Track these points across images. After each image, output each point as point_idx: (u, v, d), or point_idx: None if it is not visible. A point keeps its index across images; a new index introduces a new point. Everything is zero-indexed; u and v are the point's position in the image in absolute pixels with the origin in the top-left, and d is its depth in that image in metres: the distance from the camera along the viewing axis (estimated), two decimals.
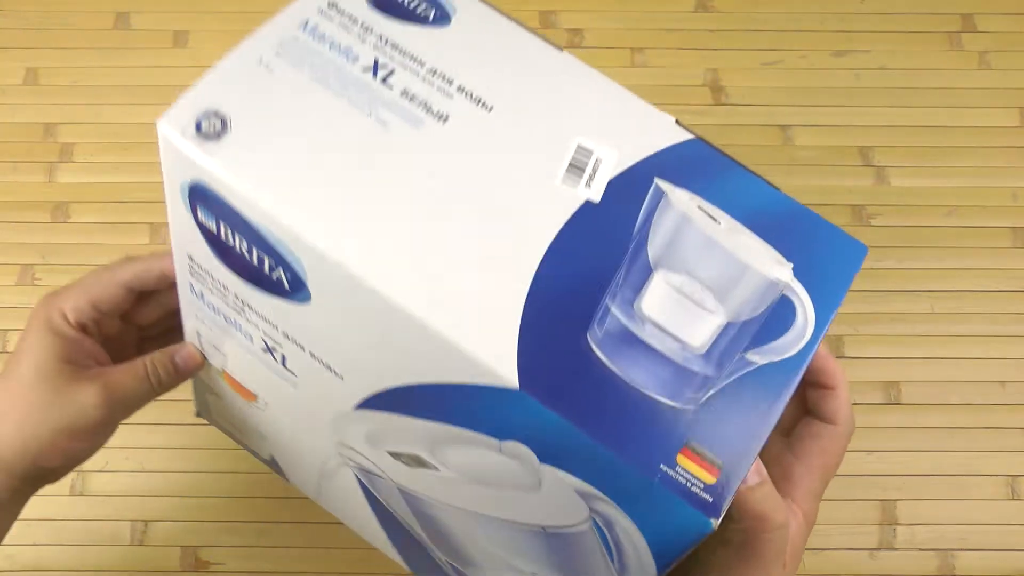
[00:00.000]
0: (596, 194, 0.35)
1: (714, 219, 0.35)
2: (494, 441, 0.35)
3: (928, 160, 0.68)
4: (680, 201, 0.35)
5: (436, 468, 0.39)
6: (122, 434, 0.61)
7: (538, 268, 0.33)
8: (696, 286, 0.34)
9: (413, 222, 0.33)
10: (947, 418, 0.61)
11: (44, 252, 0.65)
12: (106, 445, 0.59)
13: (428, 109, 0.35)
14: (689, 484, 0.31)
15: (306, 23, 0.36)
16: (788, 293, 0.35)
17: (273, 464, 0.53)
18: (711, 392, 0.33)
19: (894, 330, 0.63)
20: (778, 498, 0.35)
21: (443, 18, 0.37)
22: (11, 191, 0.67)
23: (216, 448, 0.60)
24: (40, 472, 0.42)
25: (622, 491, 0.33)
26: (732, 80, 0.70)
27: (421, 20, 0.37)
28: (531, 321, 0.32)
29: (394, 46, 0.36)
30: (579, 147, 0.35)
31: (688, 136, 0.37)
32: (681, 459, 0.31)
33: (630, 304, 0.33)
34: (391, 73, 0.35)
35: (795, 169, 0.67)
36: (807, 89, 0.70)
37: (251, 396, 0.46)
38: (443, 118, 0.35)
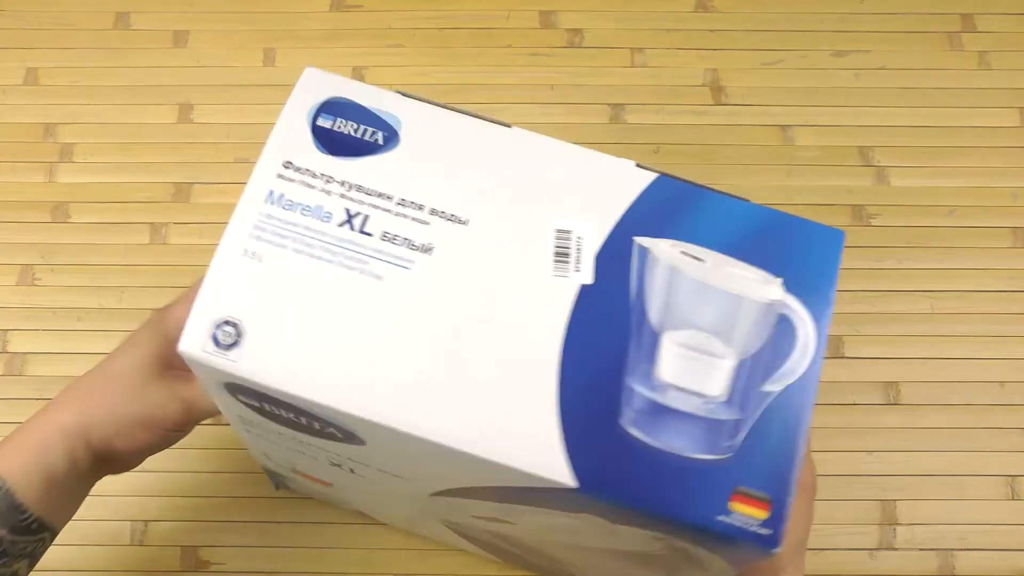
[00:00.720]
0: (588, 275, 0.36)
1: (698, 259, 0.36)
2: (566, 514, 0.37)
3: (928, 160, 0.68)
4: (663, 254, 0.36)
5: (516, 525, 0.42)
6: None
7: (560, 368, 0.35)
8: (701, 336, 0.35)
9: (434, 359, 0.35)
10: (947, 418, 0.61)
11: (44, 252, 0.65)
12: None
13: (411, 245, 0.36)
14: (746, 525, 0.33)
15: (270, 194, 0.37)
16: (785, 311, 0.36)
17: (361, 514, 0.57)
18: (743, 433, 0.35)
19: (894, 330, 0.63)
20: None
21: (392, 138, 0.38)
22: (11, 191, 0.67)
23: (216, 448, 0.60)
24: (110, 454, 0.44)
25: (690, 537, 0.35)
26: (732, 80, 0.70)
27: (372, 149, 0.38)
28: (569, 422, 0.34)
29: (359, 188, 0.37)
30: (557, 232, 0.37)
31: (652, 176, 0.38)
32: (733, 505, 0.34)
33: (648, 376, 0.35)
34: (366, 220, 0.36)
35: (795, 169, 0.67)
36: (807, 89, 0.70)
37: (327, 483, 0.49)
38: (428, 250, 0.36)
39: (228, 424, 0.44)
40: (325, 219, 0.36)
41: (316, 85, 0.39)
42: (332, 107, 0.38)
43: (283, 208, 0.36)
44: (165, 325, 0.44)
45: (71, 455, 0.43)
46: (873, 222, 0.66)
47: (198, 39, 0.71)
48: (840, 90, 0.70)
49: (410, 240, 0.36)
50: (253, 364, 0.35)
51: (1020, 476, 0.60)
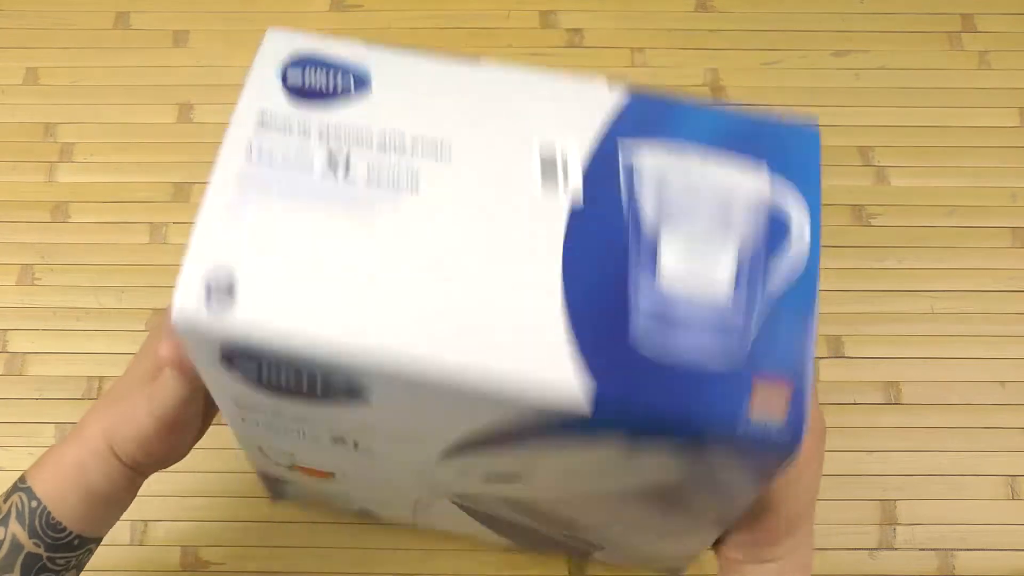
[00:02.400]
0: (577, 193, 0.36)
1: (683, 161, 0.37)
2: (582, 450, 0.37)
3: (928, 160, 0.68)
4: (649, 160, 0.36)
5: (530, 482, 0.41)
6: None
7: (563, 289, 0.35)
8: (698, 232, 0.35)
9: (435, 293, 0.35)
10: (947, 418, 0.61)
11: (44, 252, 0.65)
12: None
13: (397, 184, 0.36)
14: (766, 424, 0.33)
15: (250, 149, 0.37)
16: (776, 200, 0.36)
17: (363, 513, 0.55)
18: (753, 336, 0.34)
19: (894, 330, 0.63)
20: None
21: (363, 83, 0.38)
22: (11, 191, 0.67)
23: (216, 448, 0.59)
24: (146, 461, 0.44)
25: (711, 449, 0.35)
26: (732, 80, 0.70)
27: (345, 93, 0.38)
28: (580, 341, 0.34)
29: (336, 128, 0.37)
30: (542, 153, 0.37)
31: (625, 94, 0.38)
32: (754, 401, 0.33)
33: (653, 281, 0.35)
34: (349, 162, 0.36)
35: None
36: (807, 89, 0.70)
37: (327, 475, 0.48)
38: (414, 186, 0.36)
39: (228, 424, 0.44)
40: (307, 167, 0.36)
41: (281, 43, 0.39)
42: (299, 61, 0.39)
43: (264, 162, 0.36)
44: (167, 322, 0.44)
45: (108, 474, 0.43)
46: (873, 222, 0.66)
47: (198, 39, 0.71)
48: (840, 90, 0.70)
49: (395, 179, 0.36)
50: (251, 318, 0.34)
51: (1020, 476, 0.60)
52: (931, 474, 0.60)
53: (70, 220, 0.66)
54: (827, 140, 0.68)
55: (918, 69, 0.71)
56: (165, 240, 0.65)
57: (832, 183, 0.67)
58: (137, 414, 0.42)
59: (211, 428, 0.59)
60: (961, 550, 0.58)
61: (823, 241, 0.67)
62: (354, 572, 0.57)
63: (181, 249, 0.36)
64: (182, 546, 0.58)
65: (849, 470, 0.60)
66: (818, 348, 0.63)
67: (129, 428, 0.42)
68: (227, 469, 0.59)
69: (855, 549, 0.58)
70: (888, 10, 0.72)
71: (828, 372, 0.62)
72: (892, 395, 0.62)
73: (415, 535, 0.57)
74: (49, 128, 0.69)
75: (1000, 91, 0.70)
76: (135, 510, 0.58)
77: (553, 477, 0.41)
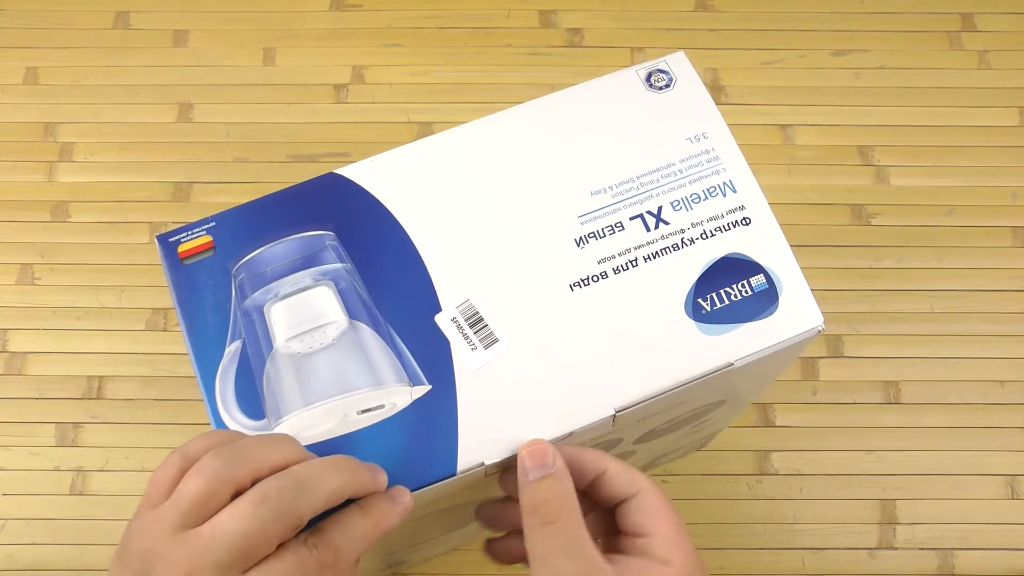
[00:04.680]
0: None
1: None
2: None
3: (928, 160, 0.68)
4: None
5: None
6: (122, 434, 0.61)
7: None
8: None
9: None
10: (947, 418, 0.61)
11: (44, 251, 0.65)
12: (106, 445, 0.59)
13: None
14: None
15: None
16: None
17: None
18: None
19: (894, 330, 0.63)
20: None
21: None
22: (11, 190, 0.67)
23: None
24: None
25: None
26: (732, 79, 0.70)
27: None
28: None
29: None
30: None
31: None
32: None
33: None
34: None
35: (795, 169, 0.67)
36: (807, 89, 0.70)
37: None
38: None
39: None
40: None
41: None
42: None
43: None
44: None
45: None
46: (873, 221, 0.66)
47: (198, 39, 0.71)
48: (840, 90, 0.70)
49: None
50: None
51: (1020, 475, 0.60)
52: (931, 474, 0.60)
53: (70, 220, 0.66)
54: (827, 140, 0.68)
55: (918, 69, 0.71)
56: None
57: (832, 183, 0.67)
58: None
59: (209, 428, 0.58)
60: (961, 549, 0.58)
61: (823, 241, 0.67)
62: None
63: None
64: None
65: (849, 470, 0.60)
66: (818, 348, 0.63)
67: None
68: None
69: (855, 548, 0.58)
70: (888, 10, 0.72)
71: (828, 372, 0.62)
72: (892, 395, 0.62)
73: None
74: (49, 128, 0.69)
75: (1000, 91, 0.70)
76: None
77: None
